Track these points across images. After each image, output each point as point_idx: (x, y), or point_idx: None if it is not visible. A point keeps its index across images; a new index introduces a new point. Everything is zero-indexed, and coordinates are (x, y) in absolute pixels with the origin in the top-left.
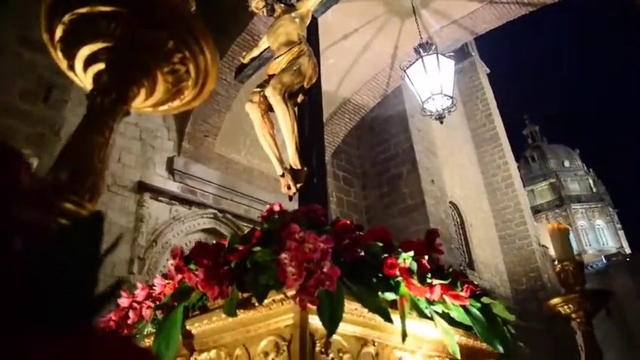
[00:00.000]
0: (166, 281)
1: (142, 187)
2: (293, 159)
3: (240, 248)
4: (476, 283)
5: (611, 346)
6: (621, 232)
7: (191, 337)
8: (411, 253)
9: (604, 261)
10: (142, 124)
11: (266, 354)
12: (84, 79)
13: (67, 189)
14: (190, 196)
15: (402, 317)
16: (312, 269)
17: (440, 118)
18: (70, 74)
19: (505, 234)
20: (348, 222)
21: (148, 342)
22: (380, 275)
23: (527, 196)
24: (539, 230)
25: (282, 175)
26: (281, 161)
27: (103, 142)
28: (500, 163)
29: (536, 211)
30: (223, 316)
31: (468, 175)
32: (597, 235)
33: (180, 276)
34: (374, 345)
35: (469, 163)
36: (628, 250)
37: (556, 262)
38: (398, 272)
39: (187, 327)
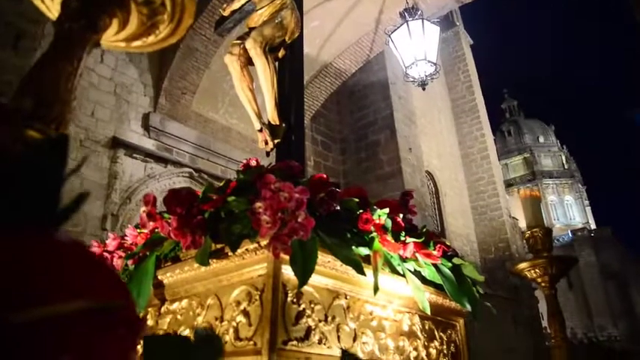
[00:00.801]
0: (138, 230)
1: (116, 143)
2: (271, 114)
3: (215, 197)
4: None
5: (569, 313)
6: (588, 209)
7: (162, 287)
8: (386, 211)
9: (570, 235)
10: (116, 79)
11: (238, 303)
12: (52, 6)
13: (32, 116)
14: (166, 154)
15: (375, 271)
16: (286, 219)
17: (422, 84)
18: (37, 3)
19: (478, 205)
20: (325, 176)
21: None
22: (354, 230)
23: (502, 170)
24: (511, 203)
25: (260, 130)
26: (259, 116)
27: (72, 72)
28: (478, 135)
29: (508, 184)
30: (196, 265)
31: (446, 145)
32: (565, 210)
33: (152, 224)
34: (346, 298)
35: (447, 134)
36: (593, 226)
37: (526, 229)
38: (372, 228)
39: (159, 277)
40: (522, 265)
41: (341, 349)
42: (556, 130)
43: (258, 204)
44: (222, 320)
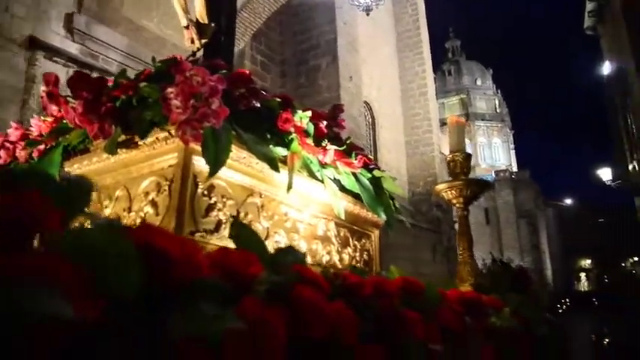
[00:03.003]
0: (43, 118)
1: (34, 44)
2: (200, 11)
3: (125, 82)
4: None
5: (484, 246)
6: (513, 152)
7: None
8: (309, 114)
9: (493, 176)
10: None
11: (147, 194)
12: None
13: None
14: (91, 60)
15: (290, 171)
16: (198, 105)
17: (367, 10)
18: None
19: (411, 140)
20: (248, 72)
21: None
22: (274, 131)
23: (438, 108)
24: (443, 140)
25: (187, 27)
26: (186, 11)
27: None
28: (419, 70)
29: (443, 123)
30: (104, 156)
31: (387, 77)
32: (492, 152)
33: (54, 107)
34: (260, 197)
35: (389, 66)
36: (515, 169)
37: (448, 152)
38: (292, 129)
39: (66, 169)
40: (441, 186)
41: (231, 216)
42: (493, 75)
43: (170, 89)
44: (129, 211)
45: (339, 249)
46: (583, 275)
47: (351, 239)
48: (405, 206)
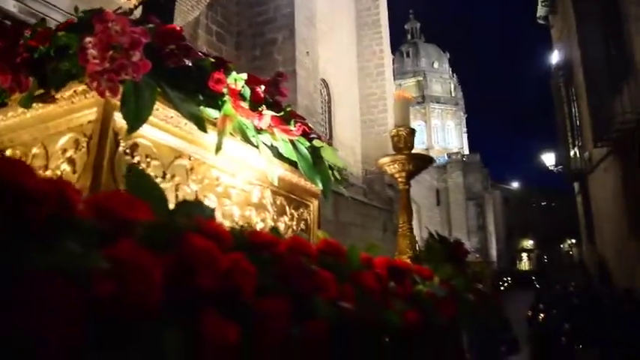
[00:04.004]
0: None
1: None
2: None
3: (42, 30)
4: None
5: (434, 226)
6: (465, 135)
7: None
8: (244, 76)
9: (446, 158)
10: None
11: (64, 151)
12: None
13: None
14: (30, 19)
15: (220, 133)
16: (117, 56)
17: None
18: None
19: (367, 119)
20: (179, 28)
21: None
22: (207, 92)
23: (395, 89)
24: None
25: None
26: None
27: None
28: (377, 50)
29: None
30: (20, 111)
31: (344, 55)
32: (445, 135)
33: None
34: (189, 159)
35: (347, 44)
36: (466, 152)
37: (393, 127)
38: (226, 91)
39: None
40: (384, 160)
41: (128, 164)
42: (450, 59)
43: (88, 39)
44: (46, 169)
45: (275, 217)
46: (525, 255)
47: (287, 208)
48: (357, 184)
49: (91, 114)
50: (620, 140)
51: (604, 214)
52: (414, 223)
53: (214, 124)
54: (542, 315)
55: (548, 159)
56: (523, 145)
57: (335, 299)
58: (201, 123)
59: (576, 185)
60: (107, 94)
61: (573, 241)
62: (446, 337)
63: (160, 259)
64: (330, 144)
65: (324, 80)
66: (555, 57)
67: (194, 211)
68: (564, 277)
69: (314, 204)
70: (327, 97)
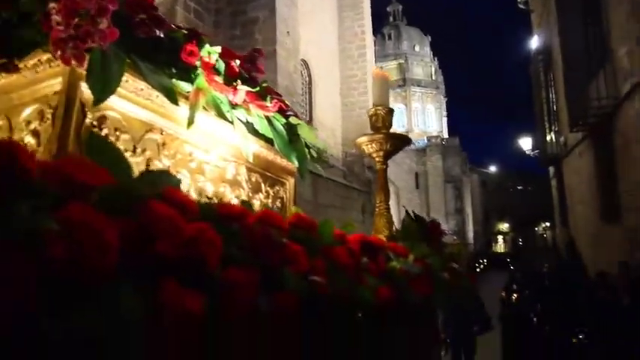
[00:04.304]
0: None
1: None
2: None
3: None
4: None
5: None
6: (445, 119)
7: None
8: (218, 49)
9: (425, 141)
10: None
11: (28, 123)
12: None
13: None
14: None
15: (192, 107)
16: (83, 23)
17: None
18: None
19: (348, 101)
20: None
21: None
22: (179, 64)
23: None
24: None
25: None
26: None
27: None
28: (359, 31)
29: None
30: None
31: (325, 36)
32: (425, 118)
33: None
34: (161, 134)
35: (329, 24)
36: (446, 135)
37: (371, 106)
38: (199, 64)
39: None
40: (361, 139)
41: (90, 129)
42: (431, 42)
43: (52, 4)
44: None
45: (250, 194)
46: (500, 238)
47: (263, 185)
48: (337, 166)
49: (56, 84)
50: (596, 125)
51: (577, 197)
52: (393, 205)
53: (187, 98)
54: (515, 295)
55: (526, 143)
56: (502, 130)
57: (305, 273)
58: (172, 95)
59: (551, 169)
60: (72, 62)
61: (548, 224)
62: (420, 315)
63: (117, 223)
64: (310, 125)
65: (304, 61)
66: (535, 42)
67: (160, 180)
68: (538, 260)
69: (290, 182)
70: (307, 79)
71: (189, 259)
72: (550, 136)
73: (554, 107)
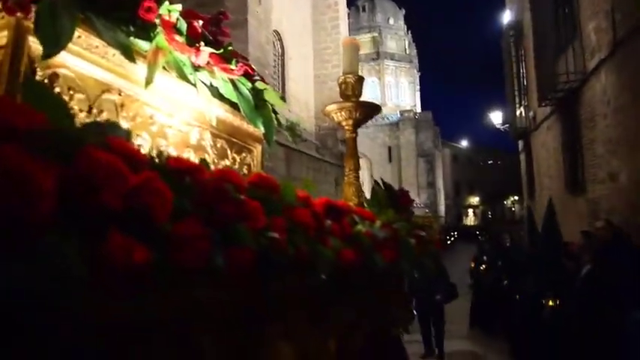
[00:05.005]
0: None
1: None
2: None
3: None
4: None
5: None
6: (418, 93)
7: None
8: (178, 7)
9: (398, 115)
10: None
11: None
12: None
13: None
14: None
15: (151, 66)
16: None
17: None
18: None
19: (321, 74)
20: None
21: None
22: (137, 22)
23: None
24: None
25: None
26: None
27: None
28: (332, 3)
29: None
30: None
31: (298, 7)
32: (399, 92)
33: None
34: (120, 94)
35: None
36: (419, 109)
37: (341, 74)
38: (158, 22)
39: None
40: (331, 107)
41: (25, 77)
42: (405, 15)
43: None
44: None
45: (216, 160)
46: (471, 211)
47: (229, 152)
48: (310, 140)
49: (1, 38)
50: (563, 100)
51: (544, 171)
52: (366, 178)
53: (146, 58)
54: (483, 266)
55: (496, 118)
56: (474, 104)
57: (263, 230)
58: (129, 52)
59: (520, 143)
60: (17, 13)
61: (516, 197)
62: (387, 279)
63: (53, 169)
64: (283, 99)
65: (277, 32)
66: (507, 16)
67: (106, 130)
68: (506, 232)
69: (257, 149)
70: (280, 50)
71: (135, 211)
72: (520, 111)
73: (524, 82)
